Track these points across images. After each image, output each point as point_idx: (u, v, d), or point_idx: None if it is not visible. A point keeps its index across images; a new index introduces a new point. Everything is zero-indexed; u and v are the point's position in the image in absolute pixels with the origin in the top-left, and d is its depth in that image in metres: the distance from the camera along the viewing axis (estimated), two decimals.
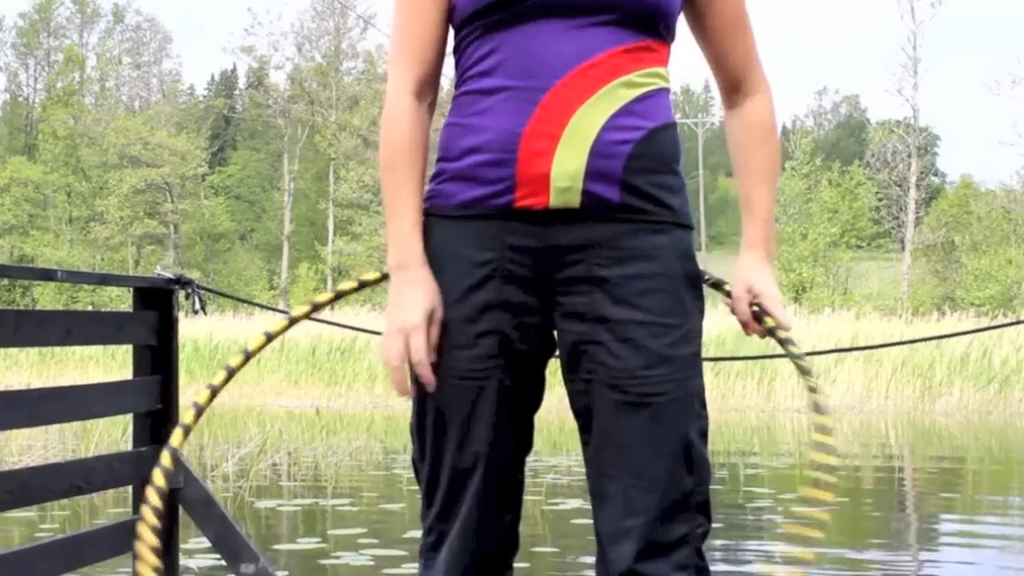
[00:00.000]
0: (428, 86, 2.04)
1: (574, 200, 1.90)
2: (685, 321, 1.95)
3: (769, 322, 2.02)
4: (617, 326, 1.91)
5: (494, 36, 1.94)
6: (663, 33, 1.98)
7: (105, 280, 3.74)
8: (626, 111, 1.91)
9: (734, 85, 2.10)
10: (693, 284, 1.98)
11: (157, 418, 3.59)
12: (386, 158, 2.00)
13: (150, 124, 49.16)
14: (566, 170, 1.89)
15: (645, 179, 1.92)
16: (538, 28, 1.91)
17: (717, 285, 2.13)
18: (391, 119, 2.01)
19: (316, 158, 51.86)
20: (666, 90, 2.00)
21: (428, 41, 2.02)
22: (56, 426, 10.53)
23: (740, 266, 2.07)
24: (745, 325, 2.05)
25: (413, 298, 1.94)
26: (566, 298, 1.93)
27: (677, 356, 1.92)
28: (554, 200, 1.90)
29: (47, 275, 3.41)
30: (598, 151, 1.89)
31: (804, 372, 2.01)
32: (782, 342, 2.02)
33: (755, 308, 2.03)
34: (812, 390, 1.98)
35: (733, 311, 2.06)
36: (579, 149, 1.88)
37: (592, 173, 1.89)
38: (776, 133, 2.12)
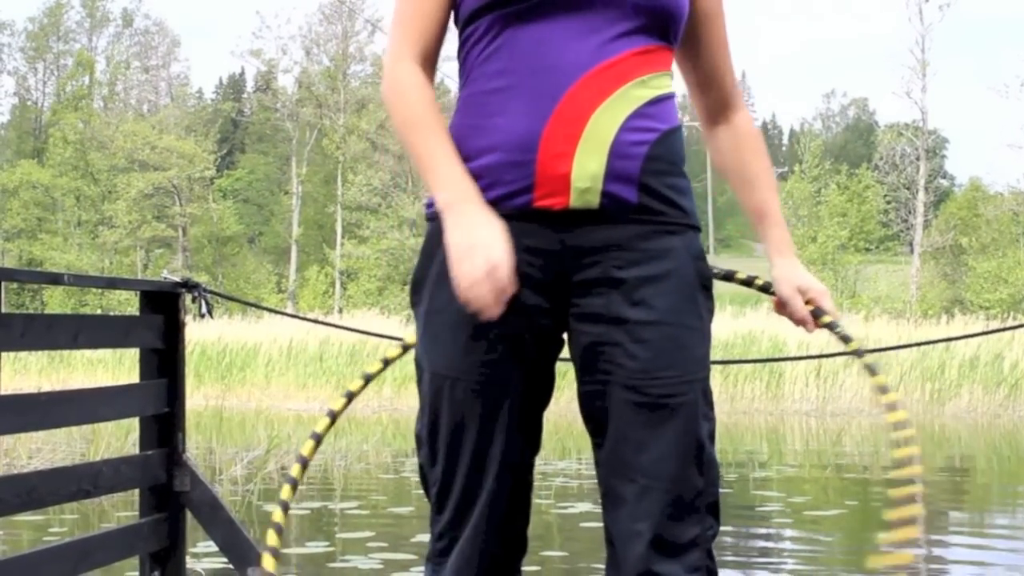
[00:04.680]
0: (429, 63, 2.01)
1: (594, 201, 1.90)
2: (699, 322, 1.96)
3: (827, 319, 2.12)
4: (634, 327, 1.91)
5: (505, 33, 1.92)
6: (671, 38, 2.00)
7: (112, 284, 3.74)
8: (641, 113, 1.92)
9: (724, 101, 2.16)
10: (705, 285, 1.99)
11: (164, 421, 3.59)
12: (409, 116, 1.95)
13: (158, 128, 49.22)
14: (587, 171, 1.89)
15: (660, 180, 1.94)
16: (553, 26, 1.90)
17: (752, 284, 2.24)
18: (400, 81, 1.97)
19: (324, 161, 51.90)
20: (672, 95, 2.01)
21: (431, 20, 1.99)
22: (64, 429, 10.53)
23: (782, 269, 2.14)
24: (803, 322, 2.13)
25: (490, 227, 1.84)
26: (583, 299, 1.93)
27: (691, 357, 1.94)
28: (574, 201, 1.89)
29: (54, 279, 3.40)
30: (617, 152, 1.89)
31: (872, 372, 2.14)
32: (844, 339, 2.14)
33: (811, 307, 2.13)
34: (882, 390, 2.09)
35: (781, 311, 2.15)
36: (599, 150, 1.89)
37: (612, 174, 1.89)
38: (763, 144, 2.21)
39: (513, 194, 1.90)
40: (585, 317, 1.94)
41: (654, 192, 1.93)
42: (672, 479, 1.91)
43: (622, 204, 1.91)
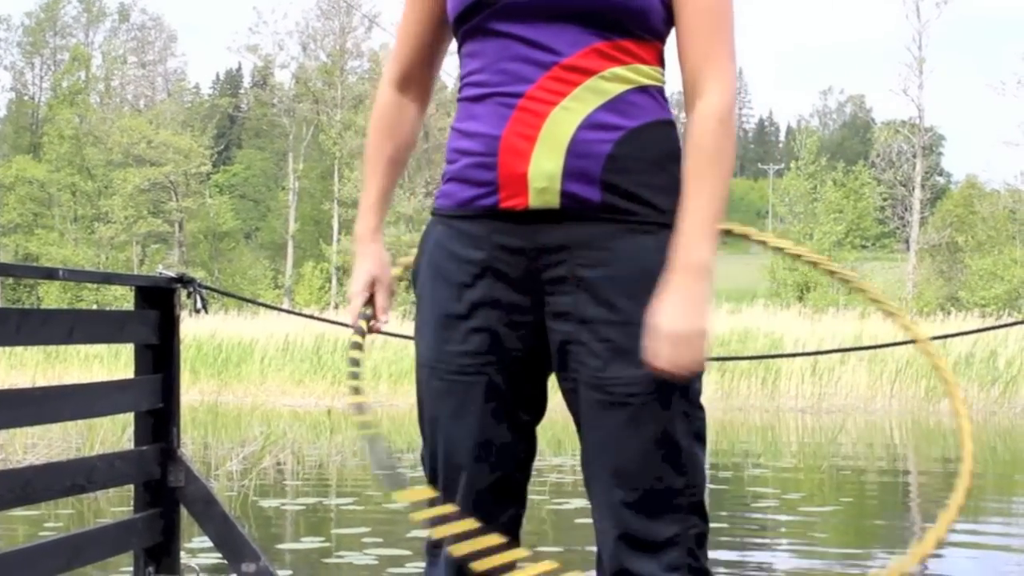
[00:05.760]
0: (410, 79, 2.15)
1: (553, 201, 1.91)
2: None
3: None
4: (598, 326, 1.91)
5: (476, 43, 1.97)
6: (640, 33, 1.94)
7: (107, 279, 3.74)
8: (605, 109, 1.91)
9: (690, 86, 1.96)
10: None
11: (159, 417, 3.58)
12: (368, 141, 2.19)
13: (155, 123, 49.15)
14: (543, 170, 1.90)
15: (628, 179, 1.91)
16: (513, 32, 1.93)
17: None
18: (375, 105, 2.17)
19: (321, 157, 51.86)
20: (653, 87, 1.96)
21: (414, 41, 2.13)
22: (60, 424, 10.53)
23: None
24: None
25: (360, 268, 2.16)
26: (552, 298, 1.95)
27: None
28: (533, 201, 1.91)
29: (49, 274, 3.41)
30: (575, 151, 1.89)
31: None
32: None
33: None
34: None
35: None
36: (556, 150, 1.89)
37: (570, 173, 1.90)
38: (716, 133, 1.92)
39: (483, 195, 1.95)
40: (556, 315, 1.95)
41: (621, 191, 1.91)
42: (637, 477, 1.92)
43: (584, 203, 1.91)
